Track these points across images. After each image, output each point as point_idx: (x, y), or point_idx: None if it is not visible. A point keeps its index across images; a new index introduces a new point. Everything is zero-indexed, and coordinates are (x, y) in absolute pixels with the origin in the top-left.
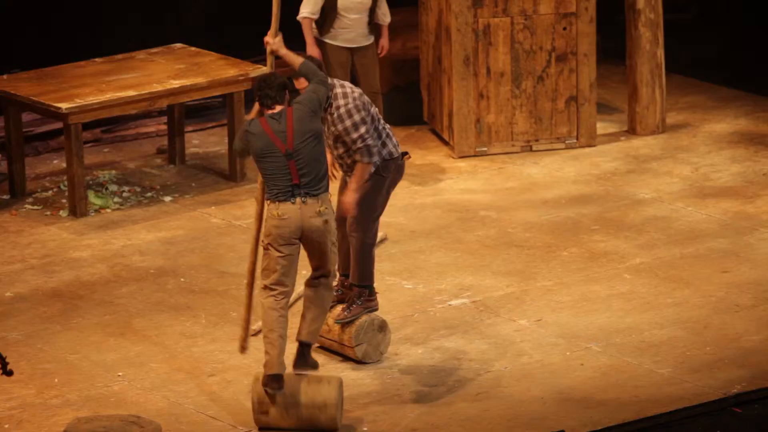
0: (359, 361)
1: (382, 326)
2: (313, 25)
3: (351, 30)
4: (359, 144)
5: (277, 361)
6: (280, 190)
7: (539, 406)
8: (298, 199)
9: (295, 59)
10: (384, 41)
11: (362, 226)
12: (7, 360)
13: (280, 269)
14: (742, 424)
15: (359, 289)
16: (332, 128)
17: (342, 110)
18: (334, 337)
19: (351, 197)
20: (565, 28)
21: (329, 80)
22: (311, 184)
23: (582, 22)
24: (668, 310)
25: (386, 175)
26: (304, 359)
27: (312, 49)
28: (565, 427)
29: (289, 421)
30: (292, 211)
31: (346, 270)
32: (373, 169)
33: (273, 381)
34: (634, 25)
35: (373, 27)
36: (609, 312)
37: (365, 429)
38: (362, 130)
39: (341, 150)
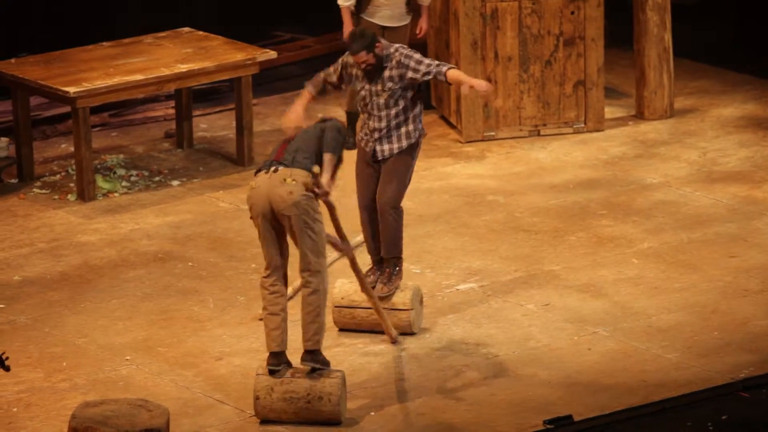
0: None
1: (422, 301)
2: (352, 7)
3: (388, 8)
4: (434, 66)
5: (270, 338)
6: (260, 167)
7: (546, 391)
8: (271, 169)
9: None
10: (423, 22)
11: (399, 200)
12: (6, 356)
13: (262, 245)
14: (750, 408)
15: (395, 260)
16: (393, 82)
17: (402, 55)
18: (385, 305)
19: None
20: (572, 13)
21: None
22: (288, 159)
23: (590, 6)
24: (676, 294)
25: (418, 152)
26: (312, 356)
27: (348, 31)
28: (573, 411)
29: (289, 413)
30: (263, 181)
31: (374, 254)
32: (413, 141)
33: (271, 357)
34: (641, 9)
35: (412, 7)
36: (617, 297)
37: (372, 414)
38: (427, 60)
39: (396, 109)
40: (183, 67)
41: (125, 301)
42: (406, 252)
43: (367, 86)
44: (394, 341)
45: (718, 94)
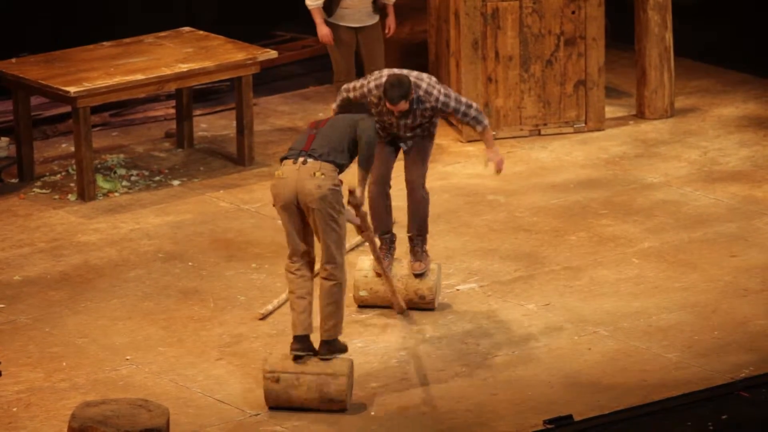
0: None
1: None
2: (322, 10)
3: (355, 10)
4: (472, 113)
5: (297, 322)
6: (287, 155)
7: (547, 391)
8: (299, 160)
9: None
10: (390, 21)
11: (425, 179)
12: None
13: (286, 234)
14: (750, 408)
15: (424, 237)
16: (424, 117)
17: (440, 103)
18: (411, 292)
19: (497, 155)
20: (573, 12)
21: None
22: (318, 151)
23: (590, 5)
24: (676, 294)
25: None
26: (328, 347)
27: (321, 29)
28: (573, 411)
29: (299, 390)
30: (290, 172)
31: (386, 227)
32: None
33: (295, 342)
34: (642, 8)
35: (378, 7)
36: (617, 296)
37: (373, 413)
38: (463, 100)
39: (420, 128)
40: (183, 67)
41: (125, 301)
42: (407, 251)
43: (395, 120)
44: (401, 312)
45: (718, 93)
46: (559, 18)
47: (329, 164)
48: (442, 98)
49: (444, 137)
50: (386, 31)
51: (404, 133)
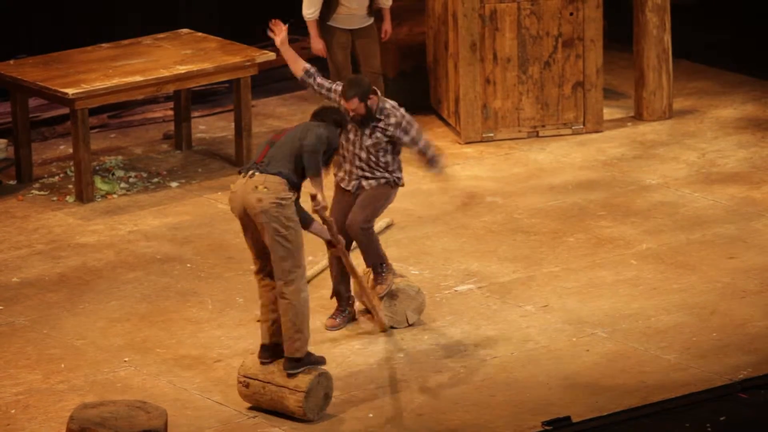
0: (383, 329)
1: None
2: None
3: (351, 13)
4: (431, 153)
5: (263, 330)
6: (243, 167)
7: (545, 392)
8: (249, 172)
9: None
10: (387, 25)
11: (369, 223)
12: None
13: (245, 240)
14: (748, 409)
15: (378, 265)
16: (383, 134)
17: (406, 119)
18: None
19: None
20: (571, 14)
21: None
22: (266, 164)
23: (589, 7)
24: (674, 295)
25: (394, 197)
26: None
27: (316, 43)
28: (571, 412)
29: (264, 398)
30: (240, 185)
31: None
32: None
33: (261, 350)
34: (641, 10)
35: (374, 10)
36: (615, 298)
37: (371, 415)
38: (425, 137)
39: (380, 154)
40: (182, 69)
41: (124, 303)
42: (405, 253)
43: (356, 129)
44: (384, 330)
45: (716, 95)
46: (557, 19)
47: (275, 177)
48: (408, 119)
49: (442, 138)
50: (382, 35)
51: (360, 152)
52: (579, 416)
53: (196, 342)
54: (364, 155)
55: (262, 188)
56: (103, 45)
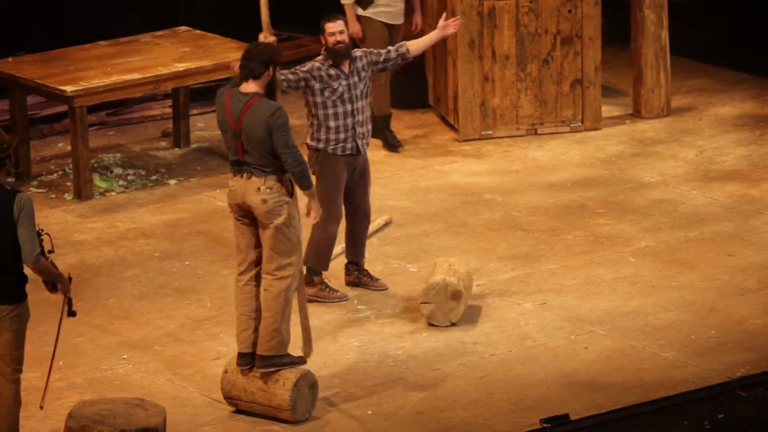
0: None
1: (456, 294)
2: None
3: (391, 6)
4: (393, 49)
5: (239, 339)
6: (232, 164)
7: (543, 390)
8: (245, 174)
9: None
10: (417, 17)
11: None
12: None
13: (238, 243)
14: (747, 407)
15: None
16: (365, 70)
17: (367, 51)
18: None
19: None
20: (570, 11)
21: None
22: (256, 165)
23: (587, 5)
24: (673, 293)
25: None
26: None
27: (354, 26)
28: (569, 410)
29: (254, 411)
30: (239, 185)
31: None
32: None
33: (239, 358)
34: (638, 7)
35: (410, 6)
36: (614, 295)
37: (369, 412)
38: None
39: (369, 98)
40: (180, 66)
41: (122, 300)
42: (404, 251)
43: (344, 82)
44: (306, 355)
45: (715, 92)
46: (555, 17)
47: (273, 176)
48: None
49: (441, 136)
50: (413, 28)
51: (359, 103)
52: (577, 414)
53: (195, 339)
54: (364, 102)
55: (264, 189)
56: (102, 43)
